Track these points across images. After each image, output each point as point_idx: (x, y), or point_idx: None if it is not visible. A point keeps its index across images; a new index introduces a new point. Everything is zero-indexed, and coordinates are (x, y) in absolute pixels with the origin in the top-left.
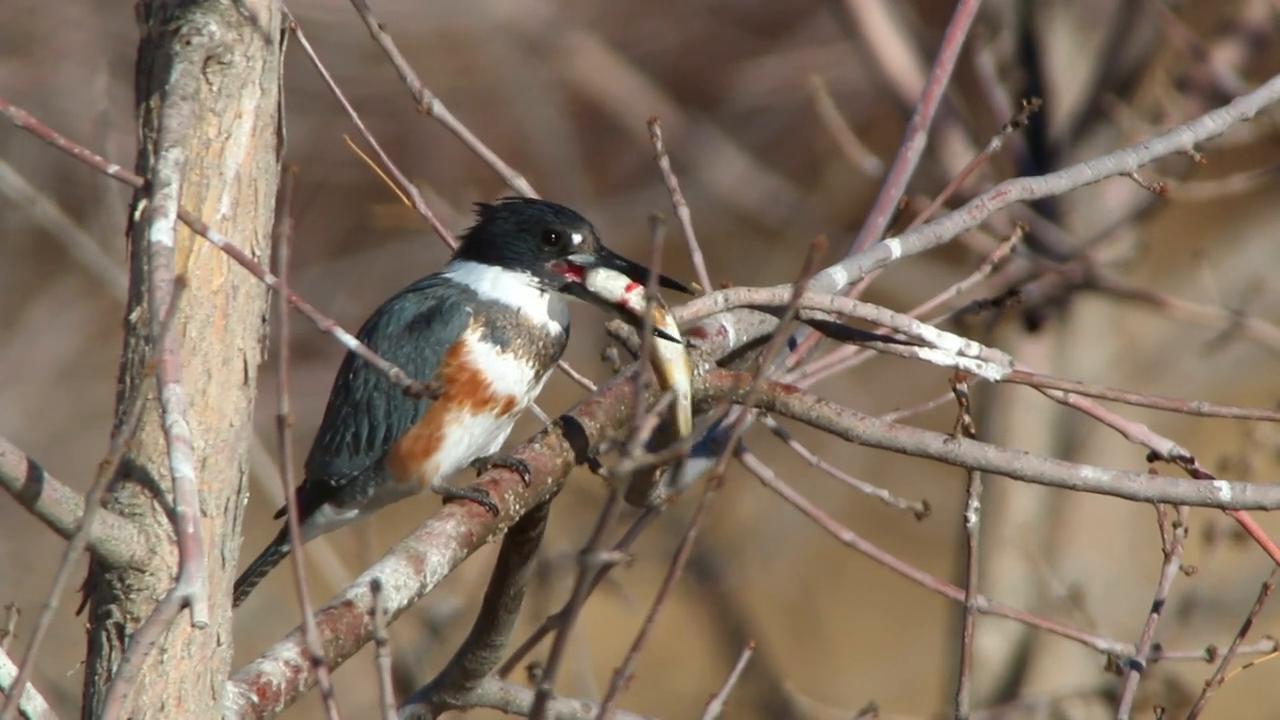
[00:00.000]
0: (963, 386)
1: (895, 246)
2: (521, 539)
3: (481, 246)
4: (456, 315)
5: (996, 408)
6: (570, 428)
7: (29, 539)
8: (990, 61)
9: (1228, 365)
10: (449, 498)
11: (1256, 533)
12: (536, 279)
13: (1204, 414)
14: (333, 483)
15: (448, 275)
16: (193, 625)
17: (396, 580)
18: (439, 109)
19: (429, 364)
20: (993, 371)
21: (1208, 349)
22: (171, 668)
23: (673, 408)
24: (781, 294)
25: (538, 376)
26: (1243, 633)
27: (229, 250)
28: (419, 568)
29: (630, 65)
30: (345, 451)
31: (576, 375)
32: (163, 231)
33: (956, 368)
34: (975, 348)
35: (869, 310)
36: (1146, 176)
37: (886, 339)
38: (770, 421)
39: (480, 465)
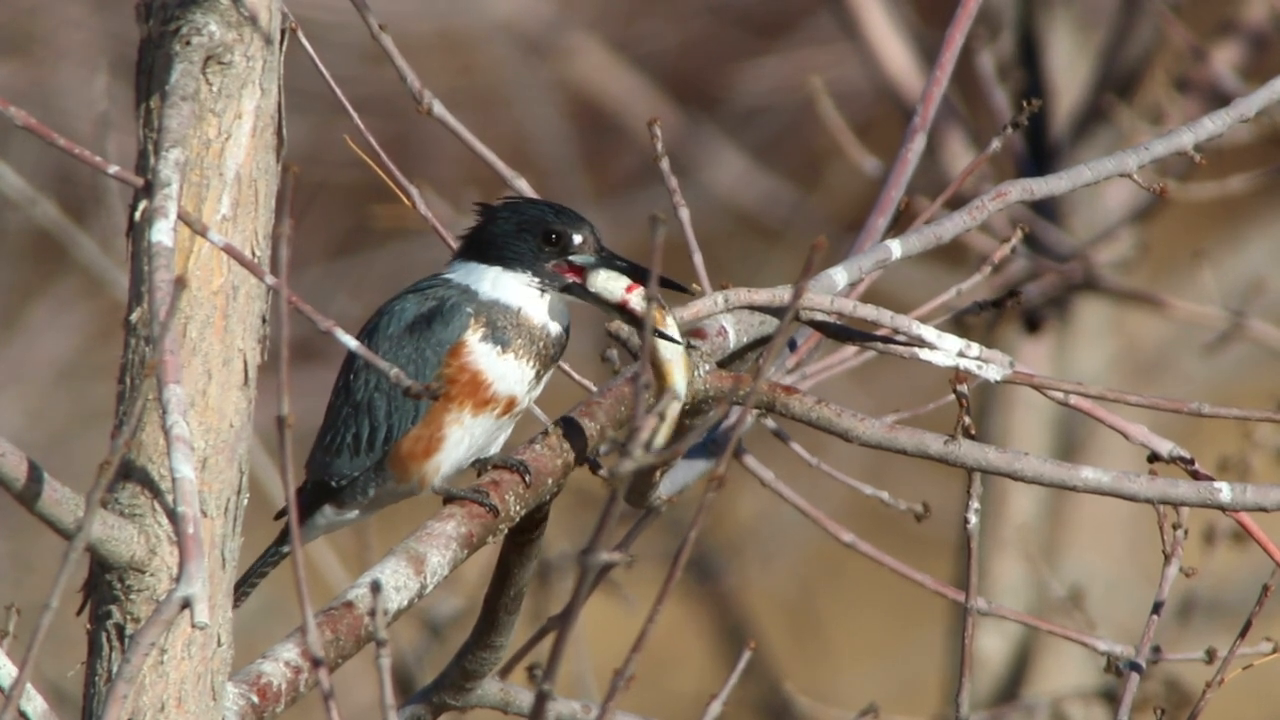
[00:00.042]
0: (963, 387)
1: (895, 247)
2: (522, 540)
3: (482, 247)
4: (457, 316)
5: (997, 409)
6: (570, 429)
7: (29, 539)
8: (990, 62)
9: (1228, 365)
10: (449, 498)
11: (1256, 534)
12: (537, 279)
13: (1204, 415)
14: (333, 483)
15: (448, 276)
16: (193, 626)
17: (397, 581)
18: (439, 109)
19: (430, 365)
20: (993, 372)
21: (1208, 349)
22: (172, 668)
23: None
24: (781, 295)
25: (538, 377)
26: (1242, 634)
27: (229, 251)
28: (419, 569)
29: (630, 65)
30: (346, 452)
31: (577, 376)
32: (163, 232)
33: (957, 369)
34: (975, 349)
35: (869, 311)
36: (1146, 177)
37: (886, 340)
38: (770, 423)
39: (481, 466)
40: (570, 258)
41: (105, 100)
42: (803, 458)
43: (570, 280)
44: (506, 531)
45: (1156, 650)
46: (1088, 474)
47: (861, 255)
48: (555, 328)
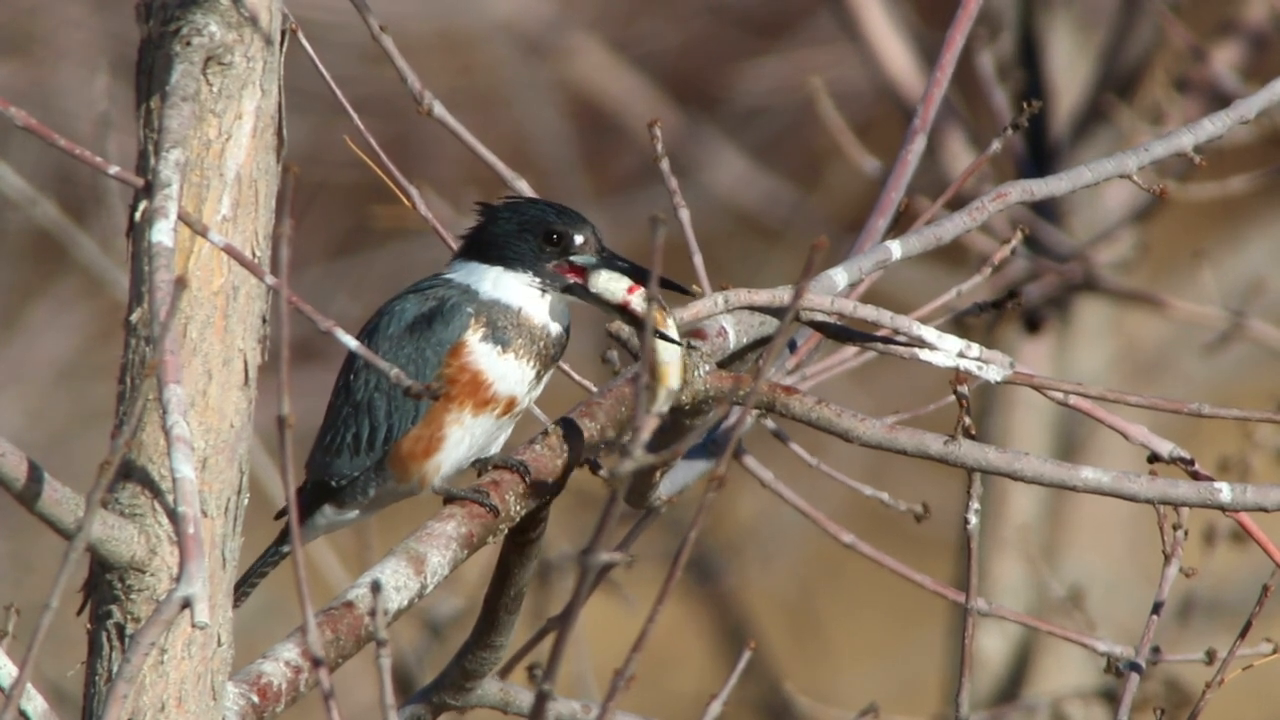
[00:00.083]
0: (963, 388)
1: (896, 248)
2: (522, 540)
3: (483, 246)
4: (457, 316)
5: (997, 409)
6: (570, 429)
7: (29, 539)
8: (990, 62)
9: (1228, 366)
10: (450, 499)
11: (1256, 534)
12: (538, 279)
13: (1204, 415)
14: (333, 483)
15: (449, 276)
16: (193, 626)
17: (397, 581)
18: (439, 110)
19: (430, 365)
20: (993, 373)
21: (1208, 349)
22: (172, 668)
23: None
24: (782, 295)
25: (538, 377)
26: (1242, 634)
27: (229, 251)
28: (419, 569)
29: (630, 65)
30: (346, 452)
31: (577, 376)
32: (163, 232)
33: (957, 369)
34: (976, 349)
35: (869, 312)
36: (1146, 178)
37: (887, 341)
38: (770, 423)
39: (481, 466)
40: (571, 258)
41: (105, 100)
42: (803, 458)
43: (571, 281)
44: (507, 531)
45: (1156, 650)
46: (1088, 474)
47: (862, 256)
48: (555, 328)
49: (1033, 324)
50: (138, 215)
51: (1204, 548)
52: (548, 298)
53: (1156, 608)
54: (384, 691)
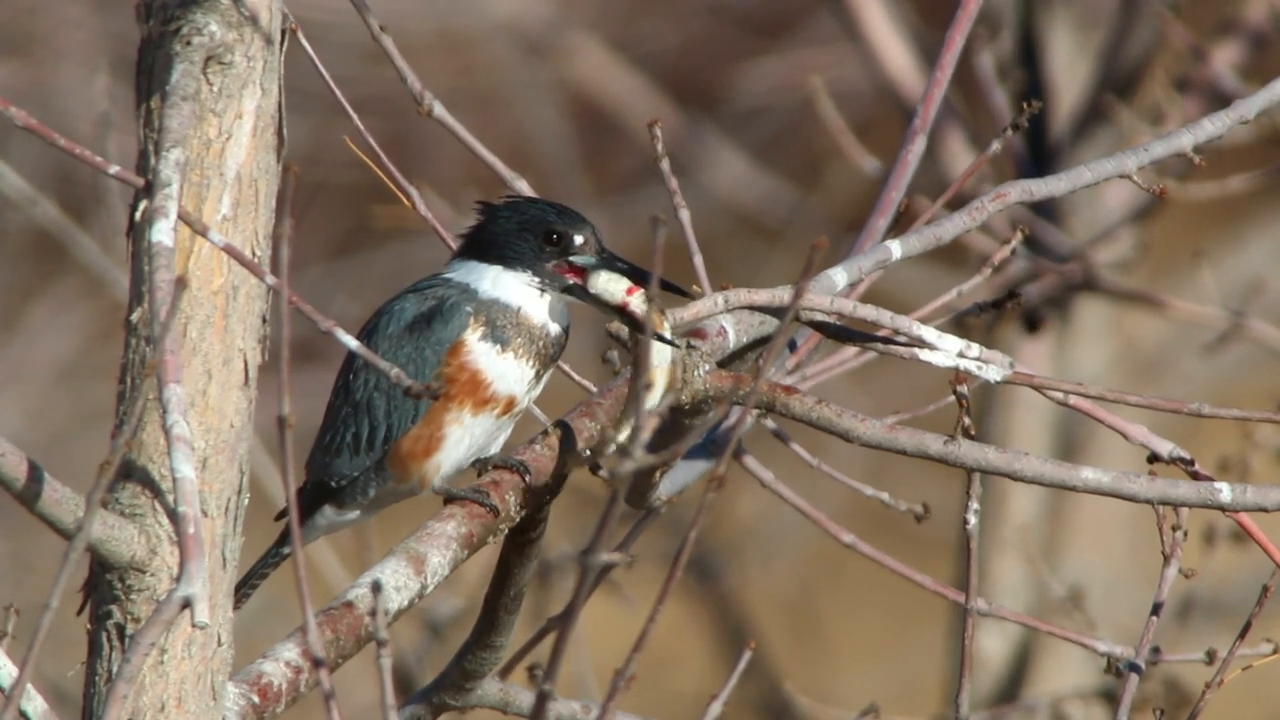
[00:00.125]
0: (963, 388)
1: (895, 248)
2: (522, 540)
3: (482, 245)
4: (456, 315)
5: (997, 409)
6: (570, 430)
7: (29, 539)
8: (990, 62)
9: (1228, 366)
10: (450, 499)
11: (1256, 534)
12: (537, 279)
13: (1204, 415)
14: (333, 484)
15: (448, 275)
16: (193, 626)
17: (397, 581)
18: (440, 110)
19: (429, 364)
20: (993, 373)
21: (1208, 349)
22: (172, 668)
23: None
24: (782, 295)
25: (538, 376)
26: (1242, 635)
27: (229, 251)
28: (419, 569)
29: (630, 65)
30: (346, 452)
31: (577, 376)
32: (163, 232)
33: (957, 369)
34: (975, 349)
35: (869, 312)
36: (1146, 178)
37: (887, 341)
38: (770, 423)
39: (481, 466)
40: (571, 258)
41: (105, 100)
42: (803, 458)
43: (571, 281)
44: (507, 531)
45: (1156, 651)
46: (1088, 474)
47: (861, 256)
48: (555, 328)
49: (1033, 324)
50: (138, 215)
51: (1204, 548)
52: (547, 297)
53: (1156, 608)
54: (384, 691)
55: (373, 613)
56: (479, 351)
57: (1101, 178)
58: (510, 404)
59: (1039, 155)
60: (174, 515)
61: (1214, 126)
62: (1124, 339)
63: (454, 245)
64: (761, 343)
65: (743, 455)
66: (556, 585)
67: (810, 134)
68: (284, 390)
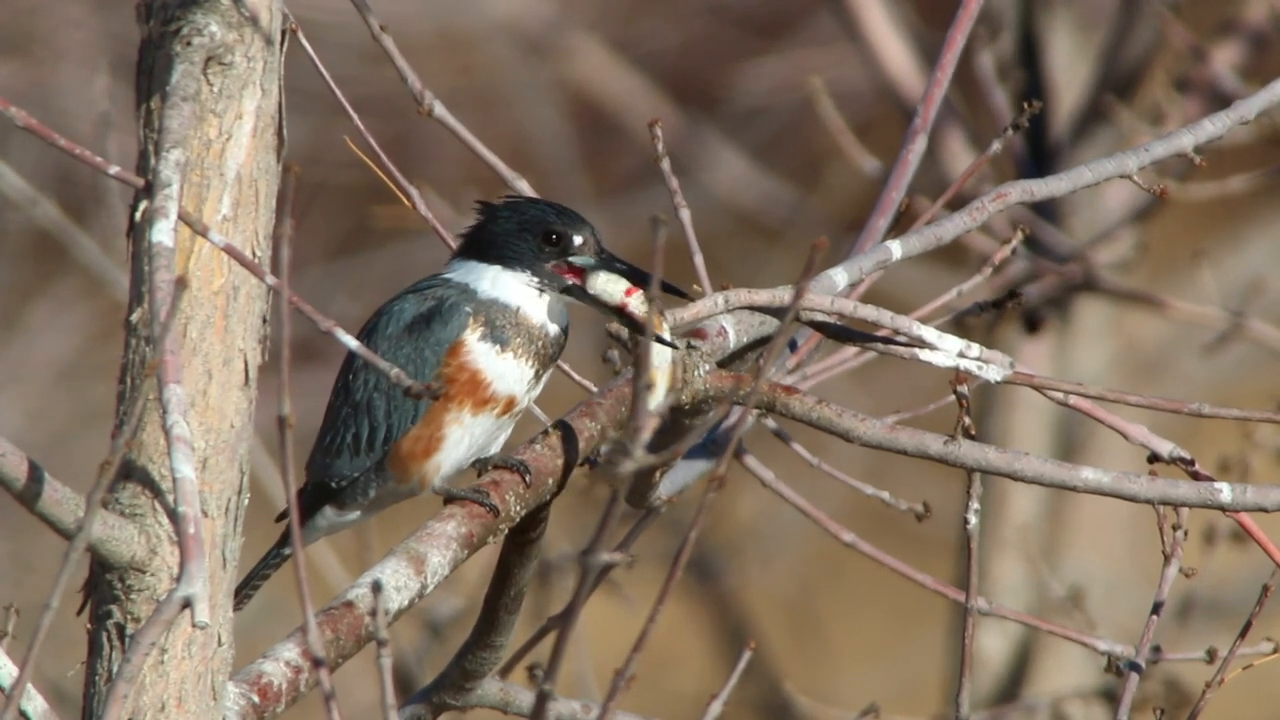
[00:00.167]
0: (963, 388)
1: (896, 248)
2: (522, 540)
3: (482, 245)
4: (456, 315)
5: (997, 409)
6: (570, 429)
7: (29, 539)
8: (990, 62)
9: (1228, 366)
10: (450, 499)
11: (1256, 534)
12: (536, 279)
13: (1204, 415)
14: (334, 484)
15: (447, 275)
16: (194, 626)
17: (397, 581)
18: (440, 110)
19: (429, 364)
20: (993, 373)
21: (1208, 349)
22: (172, 668)
23: None
24: (782, 295)
25: (537, 376)
26: (1242, 634)
27: (230, 251)
28: (420, 569)
29: (630, 65)
30: (346, 453)
31: (577, 376)
32: (163, 232)
33: (957, 369)
34: (976, 349)
35: (869, 312)
36: (1146, 178)
37: (887, 341)
38: (771, 423)
39: (481, 466)
40: (570, 259)
41: (105, 100)
42: (803, 458)
43: (570, 282)
44: (507, 531)
45: (1156, 650)
46: (1088, 474)
47: (862, 256)
48: (554, 328)
49: (1032, 324)
50: (138, 215)
51: (1204, 548)
52: (545, 298)
53: (1156, 608)
54: (384, 691)
55: (373, 613)
56: (478, 351)
57: (1102, 178)
58: (510, 404)
59: (1039, 155)
60: (174, 515)
61: (1214, 127)
62: (1124, 339)
63: (454, 245)
64: (762, 343)
65: (743, 455)
66: (556, 585)
67: (810, 134)
68: (284, 390)
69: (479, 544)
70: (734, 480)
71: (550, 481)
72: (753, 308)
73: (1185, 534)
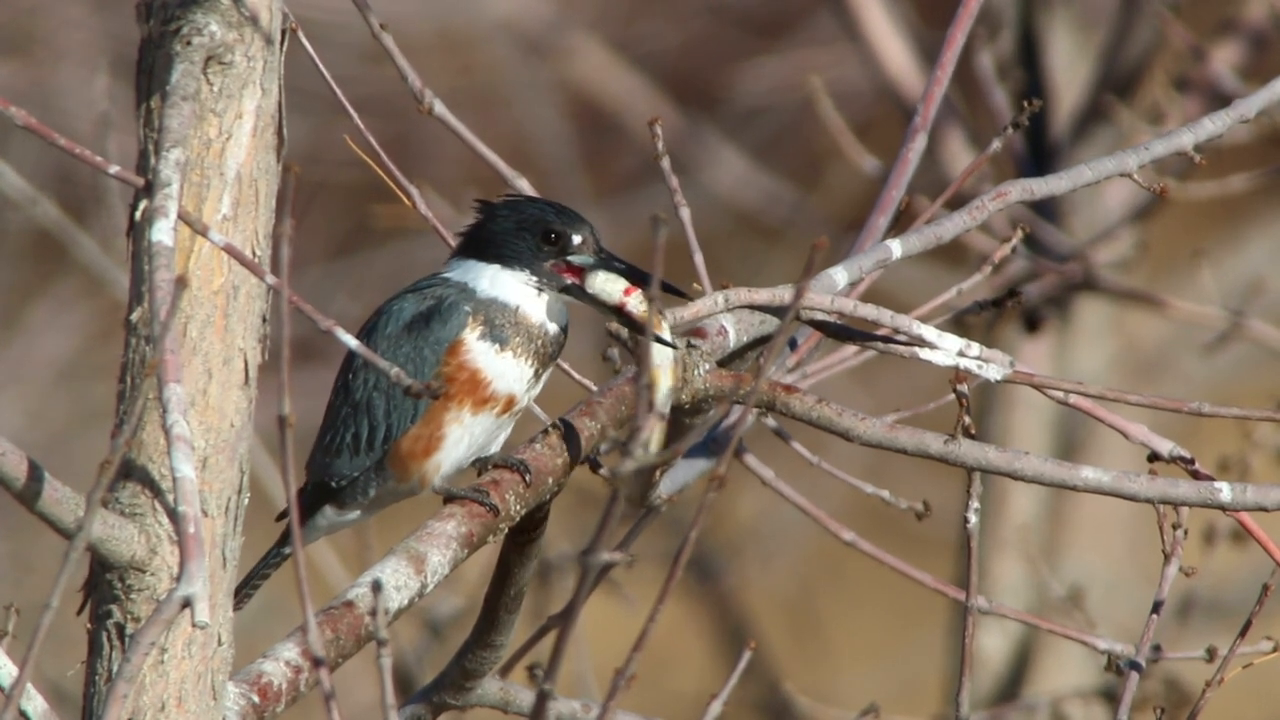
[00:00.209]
0: (963, 387)
1: (896, 247)
2: (522, 539)
3: (481, 244)
4: (455, 314)
5: (997, 408)
6: (570, 428)
7: (29, 539)
8: (990, 62)
9: (1228, 365)
10: (450, 498)
11: (1256, 533)
12: (535, 278)
13: (1204, 415)
14: (333, 484)
15: (446, 275)
16: (194, 625)
17: (397, 580)
18: (440, 109)
19: (428, 364)
20: (993, 372)
21: (1207, 349)
22: (172, 668)
23: None
24: (782, 295)
25: (537, 375)
26: (1243, 633)
27: (229, 250)
28: (420, 568)
29: (630, 65)
30: (345, 452)
31: (577, 376)
32: (163, 232)
33: (957, 368)
34: (975, 348)
35: (869, 311)
36: (1146, 177)
37: (887, 339)
38: (771, 422)
39: (481, 465)
40: (569, 258)
41: (105, 100)
42: (803, 457)
43: (569, 281)
44: (507, 531)
45: (1156, 649)
46: (1088, 474)
47: (862, 255)
48: (553, 327)
49: (1032, 323)
50: (138, 215)
51: (1204, 547)
52: (545, 297)
53: (1156, 607)
54: (384, 691)
55: (373, 612)
56: (478, 351)
57: (1102, 176)
58: (510, 403)
59: (1039, 154)
60: (174, 515)
61: (1214, 126)
62: (1124, 339)
63: (454, 245)
64: (762, 342)
65: (743, 454)
66: (556, 585)
67: (810, 134)
68: (284, 390)
69: (479, 543)
70: (734, 479)
71: (550, 481)
72: (753, 307)
73: (1185, 533)
